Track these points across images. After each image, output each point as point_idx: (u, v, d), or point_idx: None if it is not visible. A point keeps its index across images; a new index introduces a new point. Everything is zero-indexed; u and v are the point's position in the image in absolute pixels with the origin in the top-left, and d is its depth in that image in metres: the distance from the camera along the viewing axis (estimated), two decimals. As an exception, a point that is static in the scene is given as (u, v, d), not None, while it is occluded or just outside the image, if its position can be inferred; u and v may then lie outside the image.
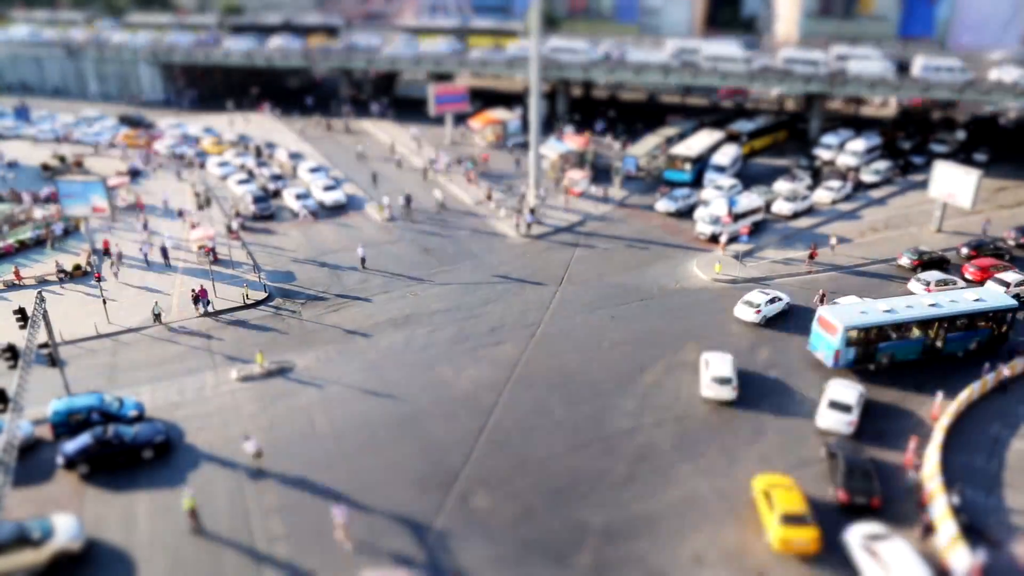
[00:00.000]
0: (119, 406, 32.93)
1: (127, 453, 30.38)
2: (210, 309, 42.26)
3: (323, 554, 26.24)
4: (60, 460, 29.85)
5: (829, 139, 77.64)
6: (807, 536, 26.04)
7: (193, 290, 42.83)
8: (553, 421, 33.48)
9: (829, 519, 27.60)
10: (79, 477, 29.85)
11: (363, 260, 49.36)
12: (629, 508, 28.35)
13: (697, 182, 66.63)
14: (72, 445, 30.15)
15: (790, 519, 26.39)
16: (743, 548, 26.54)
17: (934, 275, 45.35)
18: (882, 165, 69.16)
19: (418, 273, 48.69)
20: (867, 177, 67.54)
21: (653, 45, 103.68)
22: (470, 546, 26.59)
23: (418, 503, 28.59)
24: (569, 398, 35.18)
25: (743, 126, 78.55)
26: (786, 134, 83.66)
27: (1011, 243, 52.58)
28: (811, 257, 49.11)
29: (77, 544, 25.94)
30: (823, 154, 75.27)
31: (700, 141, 71.29)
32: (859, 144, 73.74)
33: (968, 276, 47.04)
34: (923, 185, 63.90)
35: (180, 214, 57.83)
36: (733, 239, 52.36)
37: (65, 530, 26.01)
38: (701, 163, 67.79)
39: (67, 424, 31.90)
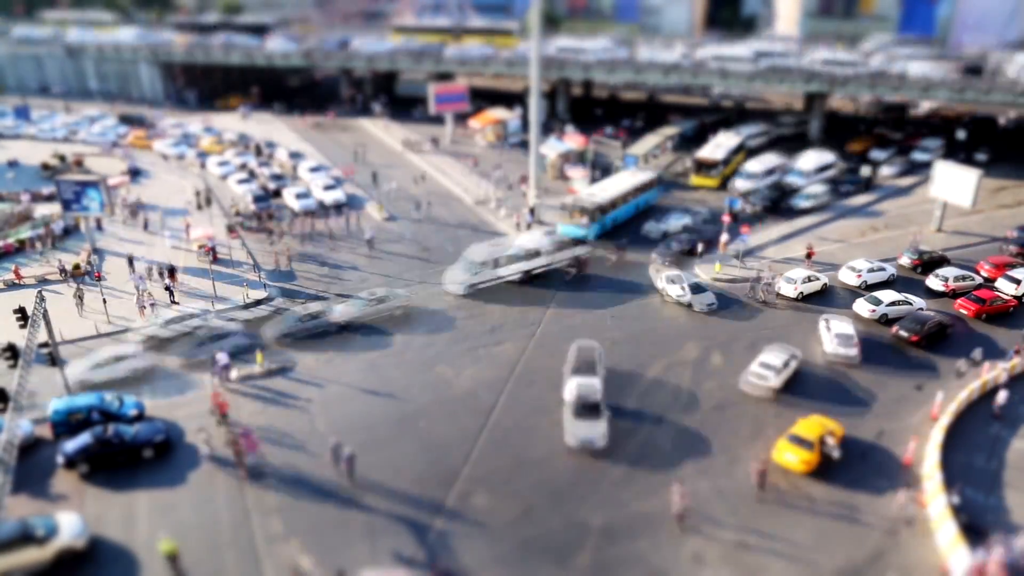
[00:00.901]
0: (119, 405, 32.93)
1: (127, 452, 30.39)
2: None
3: (323, 554, 26.25)
4: (60, 459, 29.86)
5: (753, 167, 65.51)
6: (799, 456, 29.98)
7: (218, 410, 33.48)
8: (553, 420, 33.46)
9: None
10: (79, 476, 29.85)
11: (370, 241, 51.88)
12: (629, 508, 28.35)
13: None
14: (72, 444, 30.15)
15: (795, 439, 30.60)
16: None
17: (952, 271, 45.87)
18: (818, 189, 62.25)
19: (418, 272, 48.66)
20: (802, 203, 60.36)
21: (664, 45, 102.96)
22: (470, 546, 26.59)
23: (418, 502, 28.59)
24: (569, 397, 35.15)
25: (714, 152, 67.38)
26: (744, 156, 72.23)
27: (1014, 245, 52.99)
28: (808, 257, 49.14)
29: (81, 542, 25.96)
30: (741, 185, 63.67)
31: (618, 183, 57.48)
32: (808, 162, 66.29)
33: (984, 274, 47.40)
34: (861, 211, 59.61)
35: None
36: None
37: (69, 528, 26.04)
38: (615, 212, 55.06)
39: (67, 423, 31.90)
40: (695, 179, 67.34)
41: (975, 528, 26.81)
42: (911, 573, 25.47)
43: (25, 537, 25.24)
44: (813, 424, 31.21)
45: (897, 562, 25.91)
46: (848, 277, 46.33)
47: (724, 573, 25.51)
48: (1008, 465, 30.75)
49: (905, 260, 49.19)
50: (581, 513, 28.07)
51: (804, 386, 36.05)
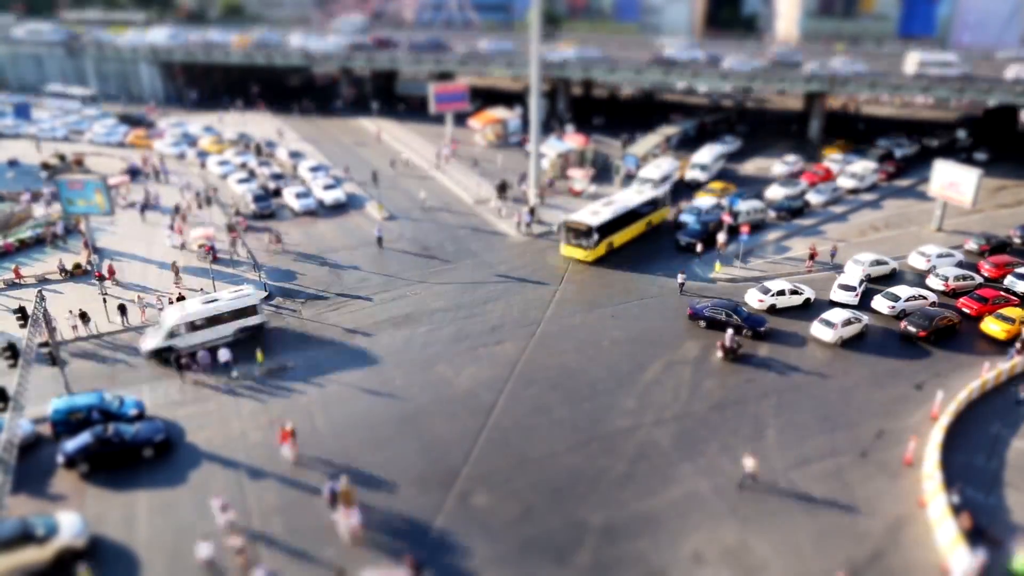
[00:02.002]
0: (119, 404, 32.95)
1: (127, 452, 30.41)
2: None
3: (323, 554, 26.25)
4: (60, 459, 29.87)
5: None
6: (1002, 327, 40.04)
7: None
8: (553, 420, 33.50)
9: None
10: (80, 476, 29.86)
11: (380, 239, 52.15)
12: (629, 507, 28.36)
13: None
14: (72, 444, 30.18)
15: (1000, 316, 40.60)
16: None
17: (952, 271, 46.22)
18: (752, 205, 55.59)
19: (418, 272, 48.70)
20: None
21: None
22: (470, 545, 26.60)
23: (418, 502, 28.60)
24: (569, 397, 35.20)
25: (594, 215, 49.52)
26: (664, 214, 56.72)
27: (1017, 241, 53.25)
28: (811, 257, 49.17)
29: (81, 541, 25.99)
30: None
31: None
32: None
33: (984, 273, 47.78)
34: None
35: (176, 210, 57.50)
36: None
37: (69, 527, 26.09)
38: None
39: (67, 423, 31.91)
40: (565, 249, 50.04)
41: (975, 528, 26.83)
42: (911, 573, 25.50)
43: (25, 536, 25.26)
44: (1015, 310, 40.97)
45: (897, 562, 25.93)
46: (918, 261, 48.78)
47: (724, 573, 25.52)
48: (1008, 465, 30.77)
49: (973, 245, 51.96)
50: (581, 513, 28.08)
51: (806, 382, 36.15)
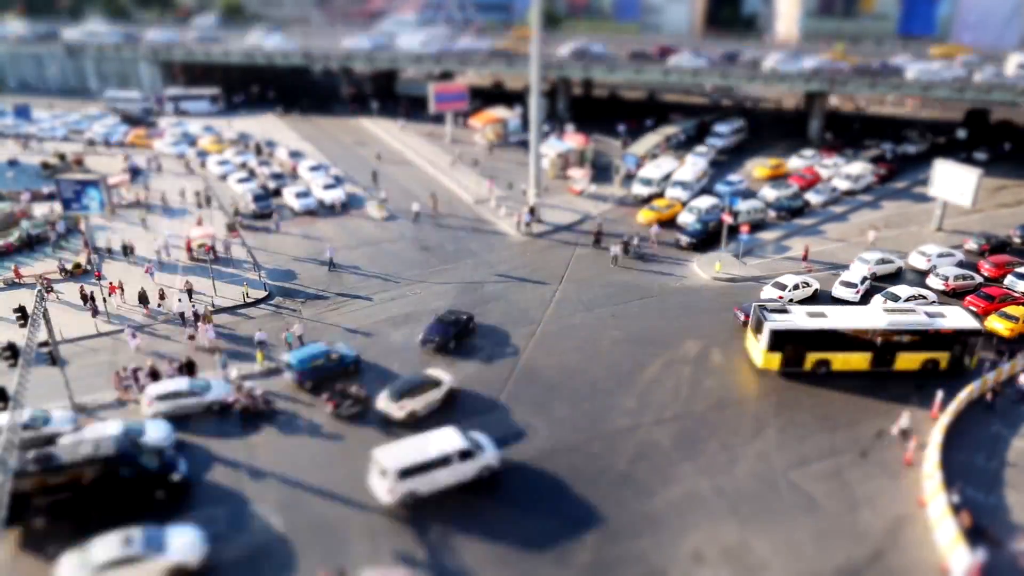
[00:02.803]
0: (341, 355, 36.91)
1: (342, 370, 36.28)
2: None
3: (323, 553, 26.25)
4: (297, 378, 35.20)
5: None
6: (1006, 325, 40.21)
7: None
8: (553, 420, 33.48)
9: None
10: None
11: (331, 260, 48.61)
12: (629, 506, 28.36)
13: None
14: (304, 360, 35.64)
15: (1003, 314, 40.93)
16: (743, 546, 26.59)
17: (952, 270, 46.21)
18: (752, 205, 56.73)
19: (418, 272, 48.68)
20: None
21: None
22: (470, 544, 26.59)
23: (418, 501, 28.55)
24: (569, 396, 35.19)
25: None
26: None
27: (1017, 240, 53.34)
28: (804, 258, 49.32)
29: (194, 559, 24.96)
30: None
31: None
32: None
33: (984, 272, 47.87)
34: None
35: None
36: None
37: (181, 544, 25.08)
38: None
39: (310, 369, 35.63)
40: None
41: (975, 527, 26.83)
42: (911, 573, 25.49)
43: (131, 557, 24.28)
44: (1017, 308, 41.01)
45: (897, 562, 25.93)
46: (918, 261, 48.74)
47: (724, 573, 25.51)
48: (1008, 464, 30.76)
49: (973, 245, 52.01)
50: (581, 512, 28.08)
51: (806, 381, 36.12)
